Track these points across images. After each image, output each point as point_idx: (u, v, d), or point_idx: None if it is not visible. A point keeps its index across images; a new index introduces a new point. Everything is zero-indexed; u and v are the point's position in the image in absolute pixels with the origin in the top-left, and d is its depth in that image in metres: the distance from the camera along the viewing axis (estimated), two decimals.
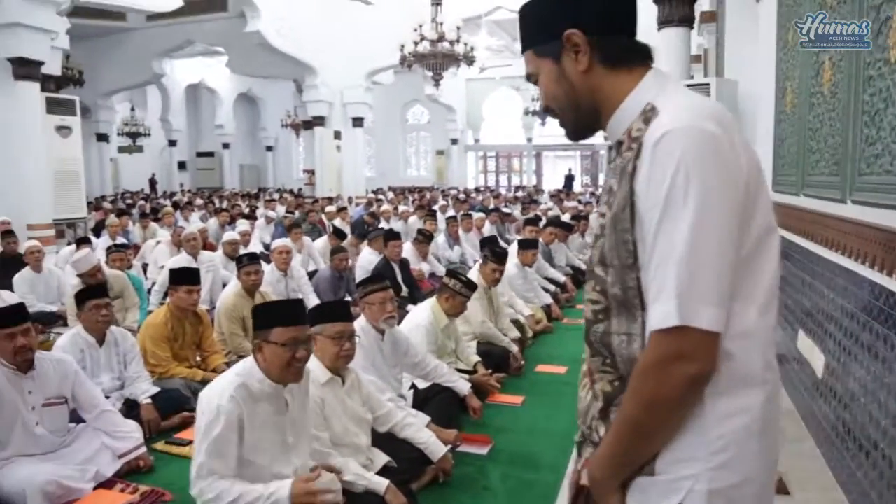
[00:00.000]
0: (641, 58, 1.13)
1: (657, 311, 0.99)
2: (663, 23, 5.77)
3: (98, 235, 8.88)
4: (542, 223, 8.54)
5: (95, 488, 2.89)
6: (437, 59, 11.79)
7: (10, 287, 5.57)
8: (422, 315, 4.01)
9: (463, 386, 3.71)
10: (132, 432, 3.15)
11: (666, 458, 1.05)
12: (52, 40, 8.82)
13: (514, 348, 4.64)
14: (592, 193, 19.46)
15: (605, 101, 1.13)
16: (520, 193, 19.51)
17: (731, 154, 1.00)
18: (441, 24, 11.61)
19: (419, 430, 2.98)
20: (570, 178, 23.81)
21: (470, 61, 12.09)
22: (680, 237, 0.97)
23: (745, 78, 5.01)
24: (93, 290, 3.72)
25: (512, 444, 3.40)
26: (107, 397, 3.50)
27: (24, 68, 8.33)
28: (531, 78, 1.20)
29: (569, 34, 1.09)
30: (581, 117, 1.18)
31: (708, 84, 5.01)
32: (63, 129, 9.17)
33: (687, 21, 5.76)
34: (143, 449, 3.17)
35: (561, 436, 3.47)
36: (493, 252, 4.82)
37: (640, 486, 1.08)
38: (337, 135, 16.19)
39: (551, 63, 1.14)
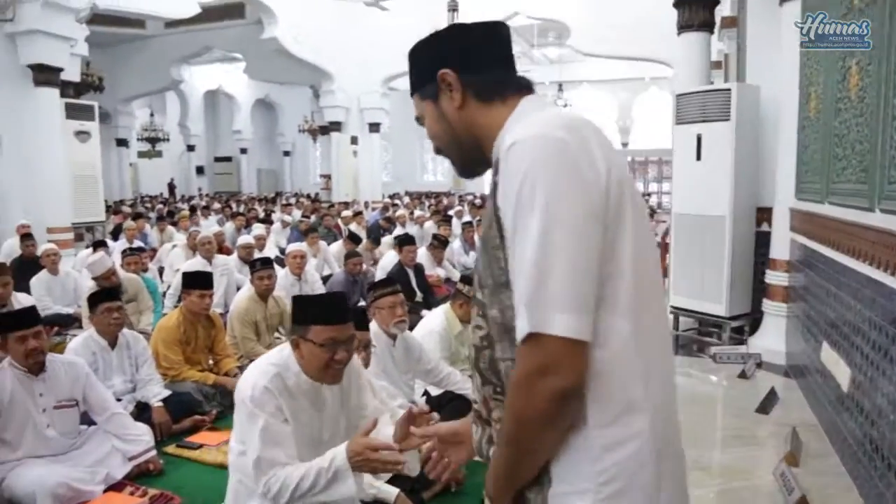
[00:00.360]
0: (516, 88, 1.15)
1: (518, 324, 0.97)
2: (683, 27, 5.70)
3: (116, 239, 8.94)
4: None
5: (105, 491, 2.88)
6: None
7: (28, 289, 5.61)
8: (435, 321, 3.97)
9: None
10: (142, 435, 3.13)
11: (558, 489, 1.03)
12: (71, 47, 8.90)
13: None
14: None
15: (484, 135, 1.14)
16: None
17: (583, 160, 0.98)
18: None
19: None
20: None
21: None
22: (530, 245, 0.95)
23: (768, 83, 4.91)
24: (105, 293, 3.71)
25: None
26: (119, 400, 3.50)
27: (44, 74, 8.41)
28: (419, 120, 1.24)
29: (441, 74, 1.14)
30: (465, 153, 1.20)
31: (729, 89, 4.92)
32: (82, 134, 9.25)
33: (707, 26, 5.68)
34: (154, 452, 3.15)
35: None
36: None
37: None
38: (353, 140, 16.22)
39: (432, 104, 1.18)
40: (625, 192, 1.02)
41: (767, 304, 4.64)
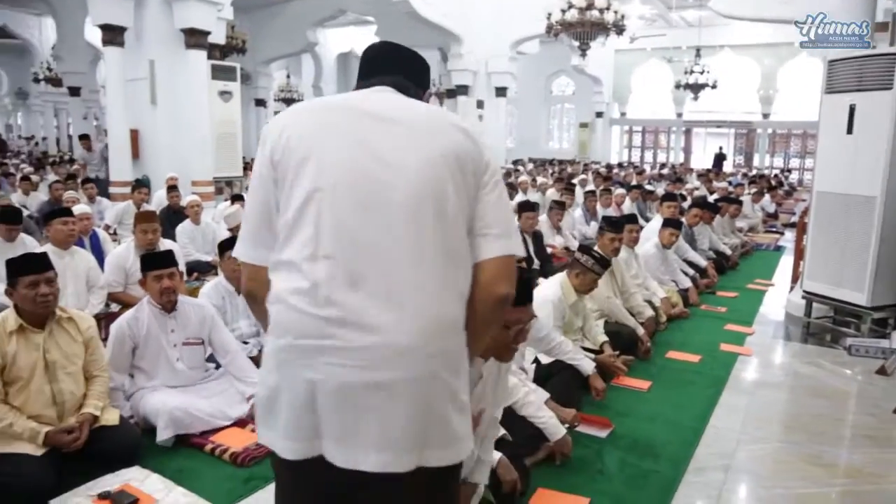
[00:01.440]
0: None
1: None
2: None
3: None
4: (686, 203, 8.12)
5: (231, 426, 3.12)
6: (584, 27, 11.31)
7: (174, 237, 6.11)
8: (550, 290, 3.91)
9: (587, 365, 3.60)
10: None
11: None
12: (218, 11, 9.43)
13: (641, 331, 4.43)
14: (745, 174, 18.07)
15: None
16: (665, 171, 18.58)
17: (268, 135, 1.37)
18: None
19: (539, 408, 2.89)
20: (720, 157, 22.15)
21: (620, 30, 11.48)
22: None
23: None
24: (232, 242, 3.97)
25: (633, 431, 3.25)
26: (245, 343, 3.77)
27: (194, 37, 9.01)
28: None
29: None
30: None
31: (893, 54, 4.41)
32: (225, 94, 9.83)
33: None
34: None
35: (685, 428, 3.28)
36: (608, 221, 4.64)
37: None
38: (479, 104, 16.16)
39: None
40: (292, 153, 1.32)
41: None
